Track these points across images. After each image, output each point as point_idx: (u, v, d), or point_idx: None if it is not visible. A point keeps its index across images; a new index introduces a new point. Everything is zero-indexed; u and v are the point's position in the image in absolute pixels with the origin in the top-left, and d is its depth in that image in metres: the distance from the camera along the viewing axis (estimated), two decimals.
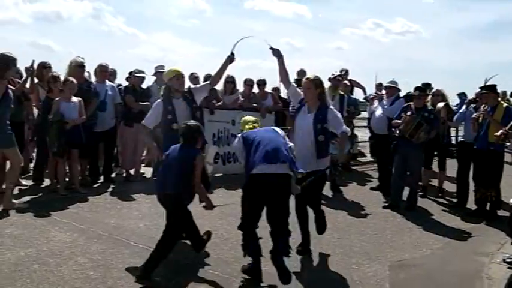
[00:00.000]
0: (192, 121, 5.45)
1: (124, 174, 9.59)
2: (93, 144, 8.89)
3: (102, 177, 9.34)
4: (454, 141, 13.66)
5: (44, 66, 8.97)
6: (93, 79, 9.25)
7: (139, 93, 9.37)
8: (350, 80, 10.85)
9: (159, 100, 6.26)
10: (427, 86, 8.23)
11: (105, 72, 9.31)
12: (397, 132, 8.09)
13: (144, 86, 9.74)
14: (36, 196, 7.99)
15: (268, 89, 11.22)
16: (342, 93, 9.10)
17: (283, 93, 11.29)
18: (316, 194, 5.93)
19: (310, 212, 5.96)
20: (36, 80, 8.75)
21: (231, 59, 6.31)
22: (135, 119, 9.23)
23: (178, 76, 6.27)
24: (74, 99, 8.11)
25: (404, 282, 5.22)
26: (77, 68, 8.58)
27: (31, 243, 5.76)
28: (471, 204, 8.25)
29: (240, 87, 10.82)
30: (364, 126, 12.83)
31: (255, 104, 10.43)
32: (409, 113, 7.99)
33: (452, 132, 13.49)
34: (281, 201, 5.01)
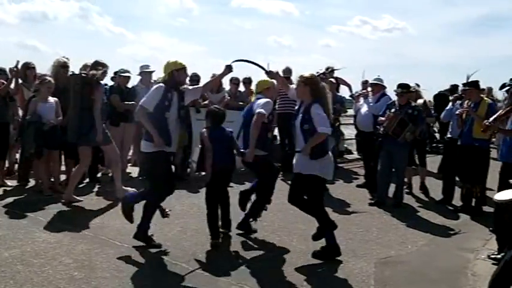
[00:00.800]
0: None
1: (110, 174, 9.51)
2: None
3: (87, 178, 9.26)
4: (439, 138, 13.79)
5: (28, 67, 8.94)
6: None
7: (124, 93, 9.31)
8: (336, 78, 10.85)
9: (161, 84, 5.98)
10: (406, 86, 8.21)
11: None
12: (382, 129, 8.11)
13: (130, 85, 9.67)
14: (21, 197, 7.95)
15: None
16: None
17: None
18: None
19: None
20: (20, 81, 8.70)
21: (229, 69, 6.30)
22: (120, 118, 9.21)
23: (186, 69, 6.13)
24: (51, 99, 8.02)
25: (390, 279, 5.22)
26: (60, 68, 8.48)
27: (15, 244, 5.72)
28: (457, 201, 8.30)
29: (226, 85, 10.81)
30: (351, 124, 12.84)
31: (241, 103, 10.41)
32: (393, 110, 8.02)
33: (436, 128, 13.62)
34: None
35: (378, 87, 9.24)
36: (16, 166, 9.25)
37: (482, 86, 8.28)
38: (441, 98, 12.98)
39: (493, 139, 8.67)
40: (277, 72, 6.40)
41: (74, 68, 8.96)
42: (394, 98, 8.54)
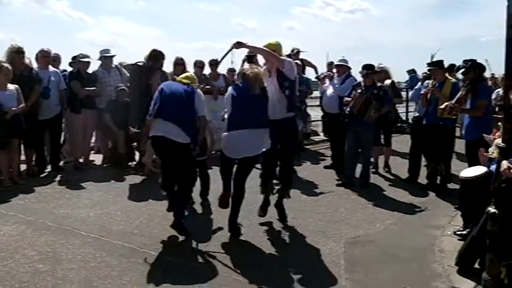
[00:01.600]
0: None
1: (73, 163, 9.33)
2: (38, 133, 8.59)
3: (49, 167, 9.06)
4: (404, 118, 13.93)
5: None
6: (35, 65, 8.85)
7: (85, 79, 9.09)
8: (302, 60, 10.78)
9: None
10: (371, 67, 8.22)
11: (47, 58, 8.95)
12: (348, 110, 8.11)
13: (90, 71, 9.45)
14: None
15: (223, 70, 11.11)
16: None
17: None
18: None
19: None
20: None
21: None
22: (82, 105, 9.00)
23: None
24: (11, 86, 7.77)
25: (360, 258, 5.22)
26: (14, 53, 8.20)
27: None
28: (422, 179, 8.37)
29: (191, 69, 10.63)
30: (317, 106, 12.83)
31: (207, 86, 10.27)
32: (359, 91, 8.02)
33: (402, 109, 13.73)
34: None
35: (343, 69, 9.22)
36: None
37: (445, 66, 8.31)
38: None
39: (454, 116, 8.76)
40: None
41: (30, 54, 8.81)
42: (359, 79, 8.54)
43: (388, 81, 8.96)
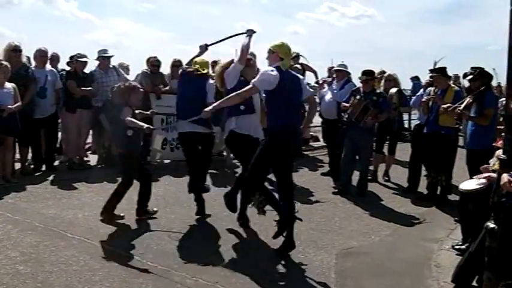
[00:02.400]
0: None
1: (67, 163, 9.20)
2: (33, 131, 8.49)
3: (44, 166, 8.93)
4: (407, 126, 13.75)
5: None
6: (33, 64, 8.81)
7: (81, 78, 8.98)
8: (302, 64, 10.64)
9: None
10: (370, 73, 8.07)
11: (44, 57, 8.87)
12: (346, 116, 7.95)
13: (87, 71, 9.34)
14: None
15: None
16: None
17: None
18: None
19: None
20: None
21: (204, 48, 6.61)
22: (77, 104, 8.90)
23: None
24: (8, 85, 7.68)
25: (351, 271, 5.07)
26: (10, 52, 8.14)
27: None
28: (422, 189, 8.19)
29: None
30: (318, 111, 12.67)
31: None
32: (357, 97, 7.86)
33: (405, 116, 13.53)
34: None
35: (342, 74, 9.10)
36: None
37: (449, 73, 8.15)
38: None
39: (460, 127, 8.60)
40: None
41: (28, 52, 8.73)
42: (359, 84, 8.38)
43: (393, 90, 8.77)
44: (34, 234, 5.65)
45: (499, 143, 5.41)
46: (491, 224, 4.13)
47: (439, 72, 7.61)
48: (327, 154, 10.25)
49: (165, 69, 10.15)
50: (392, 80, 9.10)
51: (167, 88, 9.81)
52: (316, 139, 13.27)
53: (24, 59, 8.53)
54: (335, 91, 9.01)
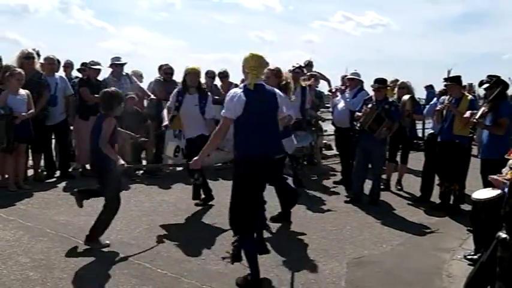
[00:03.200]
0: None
1: (80, 169, 9.25)
2: (45, 138, 8.58)
3: (58, 172, 8.99)
4: (420, 134, 13.64)
5: None
6: None
7: (95, 86, 9.02)
8: (315, 72, 10.61)
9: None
10: (383, 81, 8.02)
11: (52, 65, 8.98)
12: (358, 125, 7.91)
13: (101, 78, 9.40)
14: None
15: (236, 80, 10.98)
16: (303, 85, 8.88)
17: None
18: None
19: None
20: None
21: None
22: (90, 112, 8.92)
23: (192, 72, 7.21)
24: (22, 91, 7.76)
25: (362, 281, 5.02)
26: (23, 59, 8.20)
27: None
28: (435, 198, 8.11)
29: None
30: (331, 119, 12.64)
31: (216, 97, 10.16)
32: (369, 106, 7.82)
33: (419, 125, 13.43)
34: None
35: (355, 82, 9.05)
36: None
37: (463, 82, 8.08)
38: None
39: (474, 136, 8.52)
40: None
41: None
42: (372, 93, 8.34)
43: (406, 97, 8.71)
44: (45, 240, 5.69)
45: None
46: (503, 234, 4.06)
47: (453, 81, 7.54)
48: (339, 163, 10.21)
49: (178, 76, 10.18)
50: (405, 88, 9.05)
51: None
52: (329, 147, 13.22)
53: (37, 66, 8.59)
54: (348, 99, 8.98)
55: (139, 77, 10.46)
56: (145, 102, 10.16)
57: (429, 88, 15.75)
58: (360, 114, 7.95)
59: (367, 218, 7.26)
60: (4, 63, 8.25)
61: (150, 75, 10.97)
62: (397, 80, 9.54)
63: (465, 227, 6.74)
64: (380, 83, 8.00)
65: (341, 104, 9.18)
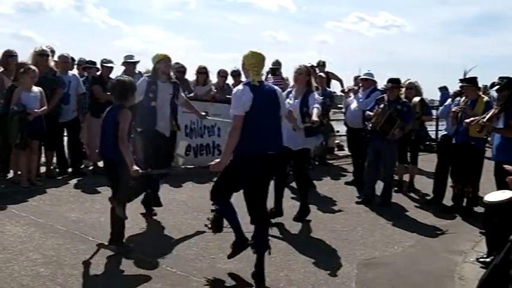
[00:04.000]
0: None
1: (91, 167, 9.28)
2: (57, 135, 8.64)
3: (70, 170, 9.04)
4: (433, 136, 13.58)
5: (11, 55, 8.64)
6: None
7: (107, 84, 9.04)
8: (327, 72, 10.60)
9: (144, 78, 6.78)
10: (396, 81, 7.95)
11: (66, 63, 9.02)
12: (370, 125, 7.87)
13: (113, 76, 9.42)
14: None
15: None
16: (316, 85, 8.84)
17: None
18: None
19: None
20: (1, 69, 8.46)
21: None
22: (102, 109, 8.92)
23: (166, 60, 6.67)
24: (35, 89, 7.79)
25: (372, 282, 4.98)
26: (37, 56, 8.24)
27: None
28: (447, 200, 8.05)
29: (214, 78, 10.57)
30: (343, 119, 12.61)
31: (228, 96, 10.16)
32: (381, 106, 7.77)
33: (431, 127, 13.36)
34: None
35: (368, 83, 9.00)
36: None
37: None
38: None
39: (489, 138, 8.44)
40: None
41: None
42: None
43: (416, 99, 8.65)
44: (56, 236, 5.71)
45: None
46: None
47: (469, 82, 7.47)
48: (351, 163, 10.17)
49: (190, 76, 10.21)
50: (414, 88, 8.98)
51: (192, 95, 9.85)
52: (341, 148, 13.19)
53: (51, 64, 8.63)
54: (361, 100, 8.93)
55: None
56: None
57: (443, 89, 15.58)
58: (371, 113, 7.92)
59: (378, 219, 7.22)
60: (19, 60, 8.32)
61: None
62: (409, 80, 9.48)
63: (478, 229, 6.68)
64: (393, 82, 7.96)
65: (354, 104, 9.13)
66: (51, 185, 8.03)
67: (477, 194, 7.67)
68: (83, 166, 9.36)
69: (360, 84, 9.25)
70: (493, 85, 7.12)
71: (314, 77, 8.94)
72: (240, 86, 4.82)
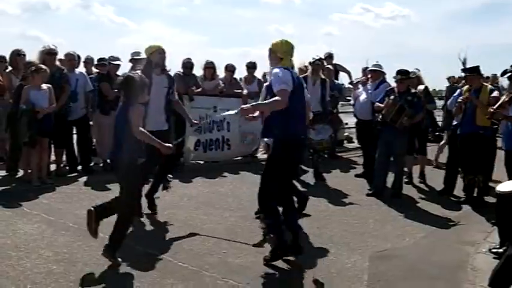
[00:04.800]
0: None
1: (101, 164, 9.30)
2: (67, 133, 8.66)
3: (80, 167, 9.04)
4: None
5: (18, 54, 8.68)
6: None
7: (114, 81, 9.04)
8: (335, 65, 10.55)
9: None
10: (405, 73, 7.90)
11: (72, 61, 9.03)
12: (380, 117, 7.82)
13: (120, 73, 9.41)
14: (8, 187, 7.79)
15: (259, 74, 10.95)
16: (323, 77, 8.82)
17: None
18: None
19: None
20: (9, 68, 8.49)
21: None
22: (111, 106, 8.95)
23: (160, 51, 6.50)
24: (44, 86, 7.79)
25: (384, 274, 4.95)
26: (45, 55, 8.24)
27: None
28: (459, 191, 8.01)
29: (221, 73, 10.54)
30: (352, 112, 12.55)
31: (236, 90, 10.15)
32: (391, 97, 7.72)
33: (439, 117, 13.27)
34: None
35: (377, 74, 8.93)
36: None
37: (486, 74, 7.98)
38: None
39: (499, 127, 8.39)
40: None
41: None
42: (394, 84, 8.25)
43: (421, 87, 8.59)
44: (68, 234, 5.72)
45: None
46: None
47: (473, 71, 7.45)
48: (361, 155, 10.14)
49: (198, 71, 10.19)
50: (416, 78, 8.92)
51: (199, 90, 9.84)
52: (350, 140, 13.15)
53: (58, 63, 8.63)
54: (370, 91, 8.87)
55: None
56: None
57: (451, 80, 15.57)
58: (380, 105, 7.88)
59: (389, 211, 7.20)
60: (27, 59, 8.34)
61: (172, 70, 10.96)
62: (418, 70, 9.42)
63: (489, 220, 6.65)
64: (402, 74, 7.90)
65: (363, 96, 9.07)
66: (62, 182, 8.05)
67: (488, 184, 7.64)
68: (92, 163, 9.36)
69: (369, 76, 9.20)
70: (505, 72, 7.07)
71: (322, 69, 8.94)
72: (279, 69, 4.85)
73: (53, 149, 8.65)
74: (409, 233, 6.24)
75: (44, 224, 6.03)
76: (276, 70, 4.87)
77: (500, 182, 5.67)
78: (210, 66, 9.92)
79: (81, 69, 9.46)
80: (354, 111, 10.01)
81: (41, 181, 7.91)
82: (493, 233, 6.02)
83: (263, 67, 10.84)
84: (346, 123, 13.10)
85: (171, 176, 7.19)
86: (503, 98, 6.80)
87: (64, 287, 4.41)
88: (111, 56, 9.31)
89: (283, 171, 4.98)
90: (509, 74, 6.85)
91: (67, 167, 8.96)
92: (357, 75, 11.08)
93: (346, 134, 13.25)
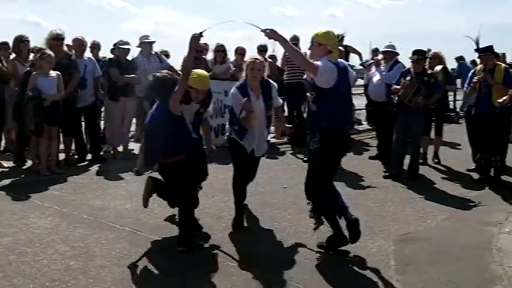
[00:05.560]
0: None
1: (111, 152, 9.14)
2: (75, 121, 8.48)
3: (90, 156, 8.87)
4: (452, 106, 13.40)
5: (22, 40, 8.50)
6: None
7: (124, 66, 8.87)
8: (345, 46, 10.36)
9: None
10: (422, 53, 7.74)
11: (82, 46, 8.81)
12: (396, 98, 7.66)
13: (130, 58, 9.25)
14: (17, 178, 7.59)
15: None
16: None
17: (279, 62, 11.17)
18: None
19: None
20: (13, 55, 8.32)
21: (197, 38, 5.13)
22: (120, 92, 8.80)
23: None
24: (52, 73, 7.59)
25: (411, 258, 4.85)
26: (52, 40, 8.07)
27: (7, 232, 5.36)
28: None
29: (232, 56, 10.38)
30: (360, 94, 12.39)
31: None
32: (408, 78, 7.55)
33: (450, 97, 13.17)
34: None
35: (390, 55, 8.75)
36: None
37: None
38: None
39: None
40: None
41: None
42: (407, 65, 8.10)
43: (439, 67, 8.41)
44: (83, 226, 5.57)
45: None
46: None
47: (486, 51, 7.39)
48: (372, 137, 10.00)
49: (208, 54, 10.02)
50: (437, 58, 8.75)
51: (210, 74, 9.65)
52: (359, 122, 12.98)
53: (65, 48, 8.48)
54: (383, 73, 8.68)
55: (166, 57, 10.30)
56: None
57: (460, 59, 15.50)
58: (397, 87, 7.71)
59: (408, 193, 7.08)
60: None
61: (175, 56, 10.79)
62: (429, 50, 9.25)
63: (509, 200, 6.59)
64: (419, 54, 7.73)
65: (376, 77, 8.88)
66: (72, 172, 7.87)
67: (505, 163, 7.54)
68: (102, 152, 9.20)
69: (381, 57, 9.01)
70: None
71: None
72: (329, 62, 4.64)
73: (61, 138, 8.45)
74: (430, 215, 6.13)
75: (57, 217, 5.86)
76: (323, 62, 4.61)
77: None
78: (220, 50, 9.75)
79: (88, 54, 9.23)
80: (366, 92, 9.85)
81: (51, 171, 7.74)
82: None
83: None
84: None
85: None
86: None
87: (83, 283, 4.27)
88: (120, 40, 9.09)
89: (330, 163, 4.95)
90: None
91: (76, 156, 8.78)
92: (364, 56, 10.94)
93: (355, 116, 13.07)
